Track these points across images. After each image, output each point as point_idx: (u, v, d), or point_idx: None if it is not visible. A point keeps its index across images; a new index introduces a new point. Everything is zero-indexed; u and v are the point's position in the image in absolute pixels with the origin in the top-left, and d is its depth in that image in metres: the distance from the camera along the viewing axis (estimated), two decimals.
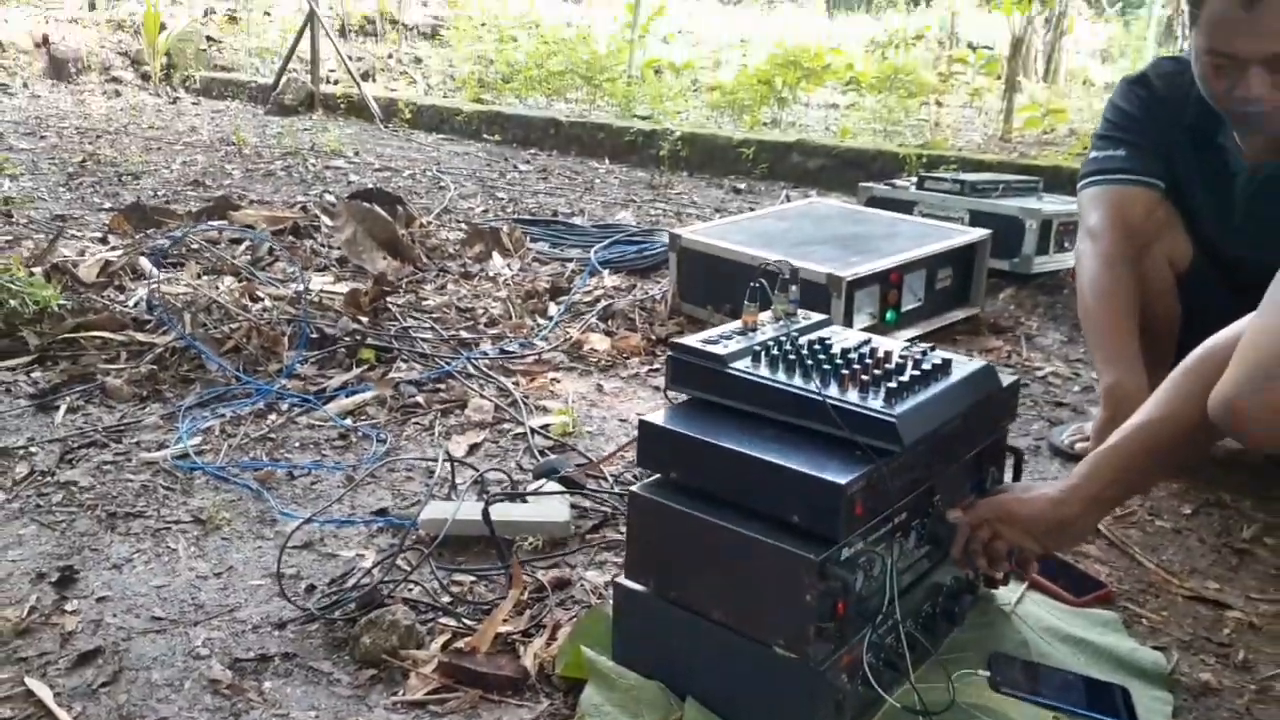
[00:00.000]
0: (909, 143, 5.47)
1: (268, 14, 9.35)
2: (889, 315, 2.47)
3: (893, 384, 1.16)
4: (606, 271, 3.09)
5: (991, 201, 2.97)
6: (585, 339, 2.50)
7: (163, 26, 8.30)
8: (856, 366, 1.22)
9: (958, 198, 3.01)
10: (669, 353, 1.30)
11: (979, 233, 2.66)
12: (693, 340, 1.30)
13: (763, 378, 1.21)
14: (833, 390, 1.17)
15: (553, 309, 2.74)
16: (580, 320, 2.65)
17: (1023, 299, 2.88)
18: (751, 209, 4.34)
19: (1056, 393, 2.22)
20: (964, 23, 11.39)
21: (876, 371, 1.21)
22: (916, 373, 1.20)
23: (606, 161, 5.52)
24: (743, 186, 4.87)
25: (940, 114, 6.97)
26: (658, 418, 1.23)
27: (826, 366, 1.21)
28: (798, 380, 1.19)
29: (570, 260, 3.26)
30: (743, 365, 1.24)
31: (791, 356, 1.24)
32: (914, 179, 3.29)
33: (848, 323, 2.35)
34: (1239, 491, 1.73)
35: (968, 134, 6.46)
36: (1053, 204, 2.96)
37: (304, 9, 7.32)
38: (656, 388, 2.19)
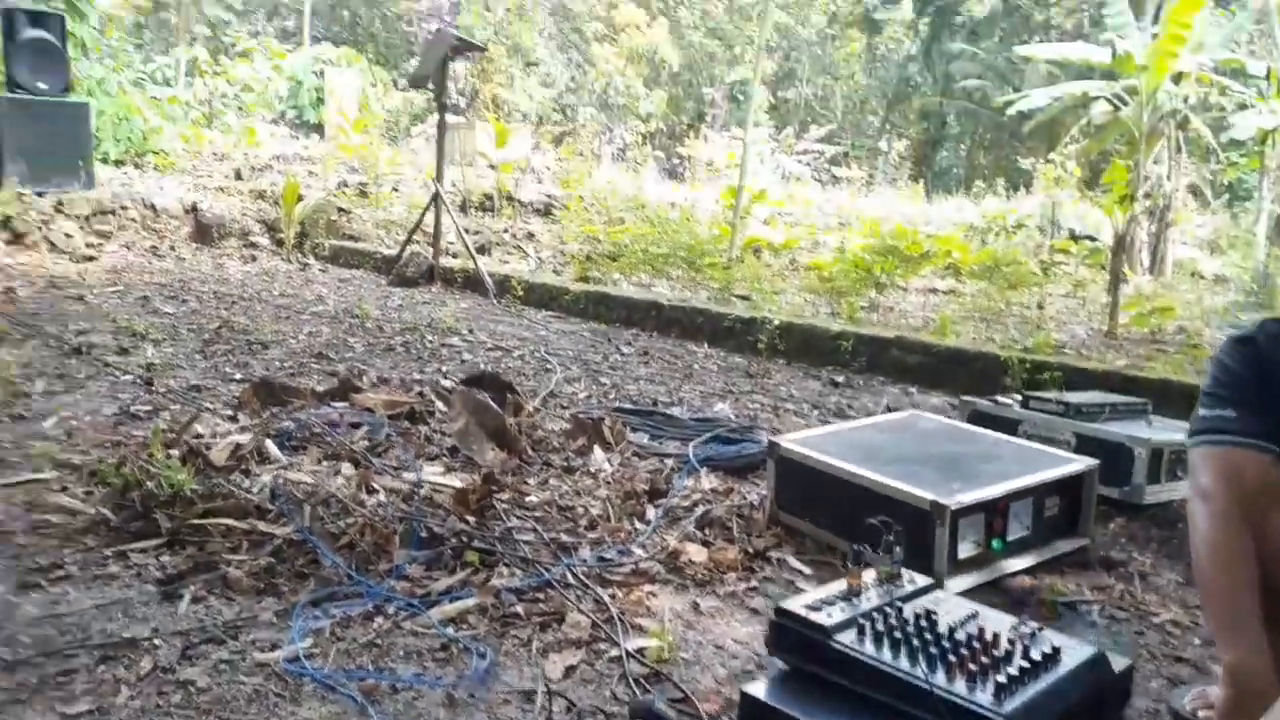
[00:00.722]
0: (1011, 339, 5.48)
1: (395, 190, 10.10)
2: (994, 544, 2.43)
3: (1001, 677, 1.15)
4: (704, 470, 3.14)
5: (1098, 426, 2.94)
6: (682, 549, 2.53)
7: (300, 198, 9.03)
8: (964, 651, 1.22)
9: (1063, 420, 3.00)
10: (773, 617, 1.33)
11: (1087, 462, 2.62)
12: (797, 606, 1.32)
13: (868, 657, 1.22)
14: (939, 677, 1.17)
15: (650, 512, 2.79)
16: (677, 526, 2.69)
17: (1135, 531, 2.80)
18: (849, 405, 4.37)
19: (1175, 645, 2.12)
20: (1064, 210, 11.52)
21: (984, 659, 1.21)
22: (1025, 663, 1.20)
23: (705, 345, 5.66)
24: (840, 379, 4.92)
25: (1043, 314, 6.97)
26: (759, 690, 1.24)
27: (933, 649, 1.22)
28: (904, 662, 1.20)
29: (669, 455, 3.33)
30: (847, 639, 1.26)
31: (897, 633, 1.25)
32: (1018, 396, 3.29)
33: (952, 550, 2.32)
34: None
35: (1071, 327, 6.43)
36: (1163, 431, 2.91)
37: (430, 188, 7.90)
38: (754, 610, 2.19)
